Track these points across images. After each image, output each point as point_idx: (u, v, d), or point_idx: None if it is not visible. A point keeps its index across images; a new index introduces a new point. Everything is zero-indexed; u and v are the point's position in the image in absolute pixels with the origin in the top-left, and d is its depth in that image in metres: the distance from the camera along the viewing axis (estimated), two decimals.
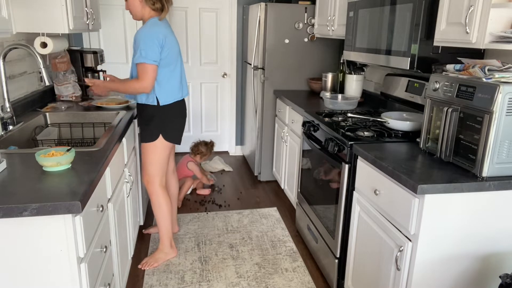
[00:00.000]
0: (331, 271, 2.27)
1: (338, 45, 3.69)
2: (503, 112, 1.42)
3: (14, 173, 1.43)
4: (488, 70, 1.51)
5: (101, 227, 1.61)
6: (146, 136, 2.32)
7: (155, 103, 2.24)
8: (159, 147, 2.33)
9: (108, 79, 2.37)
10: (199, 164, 3.59)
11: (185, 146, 4.38)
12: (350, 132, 2.13)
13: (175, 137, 2.37)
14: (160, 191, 2.42)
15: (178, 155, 4.16)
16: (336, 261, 2.20)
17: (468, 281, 1.61)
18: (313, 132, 2.55)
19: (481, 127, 1.47)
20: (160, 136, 2.30)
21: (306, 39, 3.61)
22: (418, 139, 1.86)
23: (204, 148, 3.56)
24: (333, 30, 3.05)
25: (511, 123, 1.44)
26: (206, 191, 3.56)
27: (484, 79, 1.49)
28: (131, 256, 2.38)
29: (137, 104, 2.33)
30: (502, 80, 1.46)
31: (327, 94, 3.04)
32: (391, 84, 2.66)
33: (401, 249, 1.59)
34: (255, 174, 4.00)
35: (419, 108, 2.33)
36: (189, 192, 3.55)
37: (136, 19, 2.23)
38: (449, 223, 1.51)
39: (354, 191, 2.02)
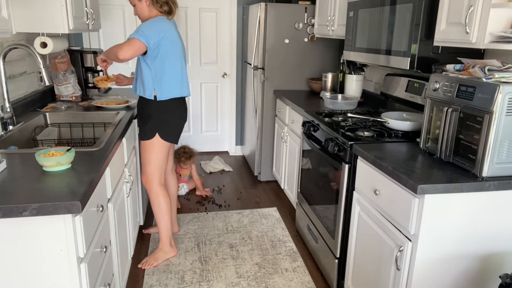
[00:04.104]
0: (331, 271, 2.27)
1: (338, 45, 3.69)
2: (503, 112, 1.42)
3: (14, 173, 1.43)
4: (488, 70, 1.51)
5: (101, 227, 1.61)
6: (144, 134, 2.33)
7: (152, 97, 2.25)
8: (157, 145, 2.33)
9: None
10: (193, 169, 3.57)
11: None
12: (350, 132, 2.13)
13: (172, 136, 2.37)
14: (159, 190, 2.42)
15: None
16: (336, 261, 2.20)
17: (468, 281, 1.61)
18: (313, 132, 2.55)
19: (481, 127, 1.46)
20: (157, 135, 2.31)
21: (306, 39, 3.61)
22: (418, 139, 1.86)
23: (184, 156, 3.46)
24: (333, 30, 3.05)
25: (511, 123, 1.44)
26: (205, 191, 3.56)
27: (484, 79, 1.48)
28: (131, 256, 2.38)
29: (139, 98, 2.35)
30: (502, 80, 1.46)
31: (327, 94, 3.04)
32: (391, 84, 2.66)
33: (401, 249, 1.59)
34: (255, 174, 4.00)
35: (419, 108, 2.33)
36: (184, 193, 3.55)
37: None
38: (449, 223, 1.51)
39: (354, 191, 2.02)
